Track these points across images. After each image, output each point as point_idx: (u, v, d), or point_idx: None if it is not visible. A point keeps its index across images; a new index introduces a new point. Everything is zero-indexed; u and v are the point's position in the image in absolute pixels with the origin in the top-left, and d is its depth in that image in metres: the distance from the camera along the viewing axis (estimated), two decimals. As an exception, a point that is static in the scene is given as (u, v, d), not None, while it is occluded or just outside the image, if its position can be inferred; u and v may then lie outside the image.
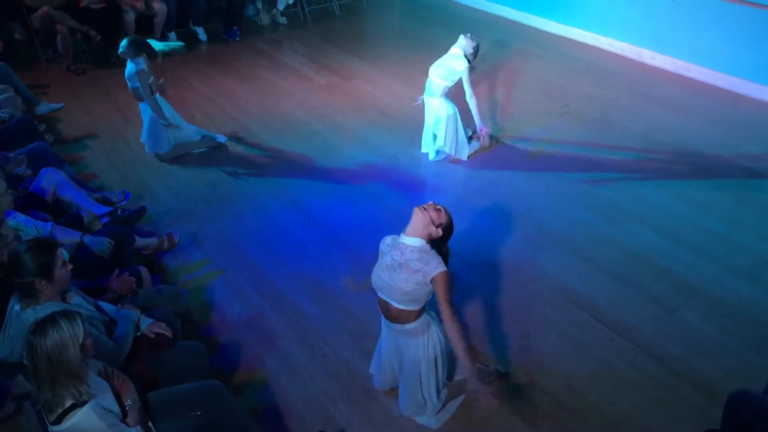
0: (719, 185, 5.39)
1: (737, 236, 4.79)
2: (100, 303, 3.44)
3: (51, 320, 2.53)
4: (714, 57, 7.01)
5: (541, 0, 8.85)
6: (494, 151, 5.97)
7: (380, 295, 3.21)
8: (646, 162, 5.76)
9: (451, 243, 3.15)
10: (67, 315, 2.56)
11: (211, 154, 6.13)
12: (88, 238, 4.15)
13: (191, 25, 9.10)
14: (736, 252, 4.63)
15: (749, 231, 4.84)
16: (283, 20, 9.65)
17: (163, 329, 3.39)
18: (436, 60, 5.64)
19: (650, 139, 6.15)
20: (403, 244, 3.09)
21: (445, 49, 5.64)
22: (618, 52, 8.00)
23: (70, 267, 3.20)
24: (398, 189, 5.56)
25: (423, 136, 5.90)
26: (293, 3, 9.69)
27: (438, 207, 3.11)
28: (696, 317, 4.09)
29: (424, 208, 3.08)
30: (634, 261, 4.59)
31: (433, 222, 3.05)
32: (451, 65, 5.54)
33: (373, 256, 3.23)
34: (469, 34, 5.59)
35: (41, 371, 2.49)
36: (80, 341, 2.52)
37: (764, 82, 6.65)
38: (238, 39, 9.09)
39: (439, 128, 5.71)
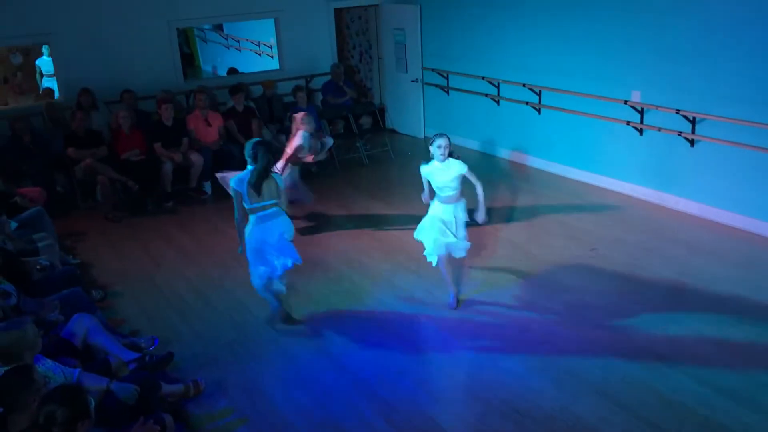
0: (759, 328, 5.24)
1: (782, 382, 4.60)
2: (124, 452, 3.38)
3: None
4: (739, 201, 7.04)
5: (560, 148, 9.12)
6: (524, 296, 5.95)
7: None
8: (680, 305, 5.67)
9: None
10: None
11: (239, 298, 6.18)
12: (114, 385, 4.13)
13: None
14: (782, 400, 4.43)
15: (794, 377, 4.65)
16: (313, 168, 9.99)
17: (185, 480, 3.30)
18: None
19: (681, 282, 6.08)
20: None
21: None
22: (641, 197, 8.08)
23: None
24: (425, 333, 5.51)
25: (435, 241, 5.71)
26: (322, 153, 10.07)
27: None
28: (744, 470, 3.86)
29: None
30: (672, 409, 4.40)
31: None
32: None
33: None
34: None
35: None
36: None
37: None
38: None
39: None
